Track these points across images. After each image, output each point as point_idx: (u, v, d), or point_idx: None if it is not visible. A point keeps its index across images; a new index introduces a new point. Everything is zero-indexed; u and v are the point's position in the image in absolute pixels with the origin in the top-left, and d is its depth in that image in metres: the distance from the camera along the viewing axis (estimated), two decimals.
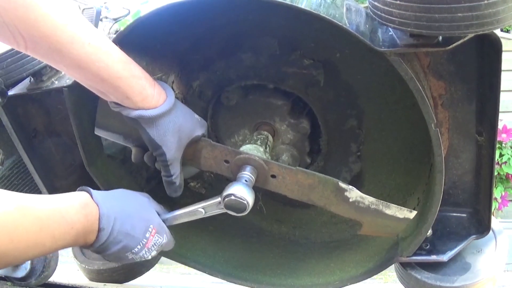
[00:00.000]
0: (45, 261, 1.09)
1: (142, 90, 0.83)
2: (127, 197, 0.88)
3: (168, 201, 0.98)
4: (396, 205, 0.91)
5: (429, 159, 0.97)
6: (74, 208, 0.78)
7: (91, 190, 0.83)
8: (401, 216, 0.91)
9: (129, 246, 0.83)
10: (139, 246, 0.84)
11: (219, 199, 0.89)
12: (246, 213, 0.88)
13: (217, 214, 0.92)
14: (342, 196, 0.90)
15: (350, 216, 0.93)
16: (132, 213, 0.84)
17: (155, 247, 0.87)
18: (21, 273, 1.07)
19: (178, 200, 1.02)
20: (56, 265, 1.12)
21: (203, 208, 0.92)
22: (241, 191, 0.87)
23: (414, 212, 0.91)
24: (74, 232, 0.77)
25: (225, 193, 0.87)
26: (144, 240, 0.85)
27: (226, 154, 0.94)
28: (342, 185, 0.90)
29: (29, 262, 1.06)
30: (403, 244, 1.01)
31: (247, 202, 0.87)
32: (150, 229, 0.86)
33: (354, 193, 0.90)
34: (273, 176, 0.93)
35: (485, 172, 1.00)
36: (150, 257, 0.88)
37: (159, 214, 0.91)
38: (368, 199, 0.90)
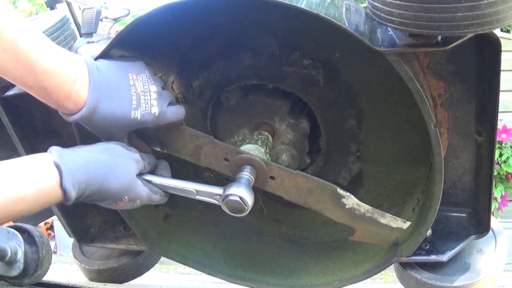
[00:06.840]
0: (38, 260, 1.08)
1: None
2: (109, 168, 0.81)
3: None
4: (391, 215, 0.92)
5: (429, 159, 0.97)
6: (32, 194, 0.72)
7: (63, 170, 0.74)
8: (394, 225, 0.93)
9: (96, 202, 0.83)
10: (107, 203, 0.83)
11: (219, 191, 0.88)
12: (243, 215, 0.88)
13: (216, 214, 0.92)
14: (338, 202, 0.91)
15: (344, 222, 0.94)
16: (106, 192, 0.80)
17: (125, 207, 0.85)
18: (14, 272, 1.06)
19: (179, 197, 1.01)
20: (50, 264, 1.11)
21: (196, 190, 0.90)
22: (244, 194, 0.87)
23: (408, 223, 0.93)
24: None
25: (228, 192, 0.87)
26: (113, 204, 0.83)
27: (227, 152, 0.93)
28: (340, 191, 0.91)
29: (22, 261, 1.06)
30: (402, 244, 1.01)
31: (248, 206, 0.87)
32: (124, 199, 0.83)
33: (351, 200, 0.91)
34: (272, 178, 0.93)
35: (485, 172, 1.00)
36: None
37: (146, 173, 0.87)
38: (364, 207, 0.91)
